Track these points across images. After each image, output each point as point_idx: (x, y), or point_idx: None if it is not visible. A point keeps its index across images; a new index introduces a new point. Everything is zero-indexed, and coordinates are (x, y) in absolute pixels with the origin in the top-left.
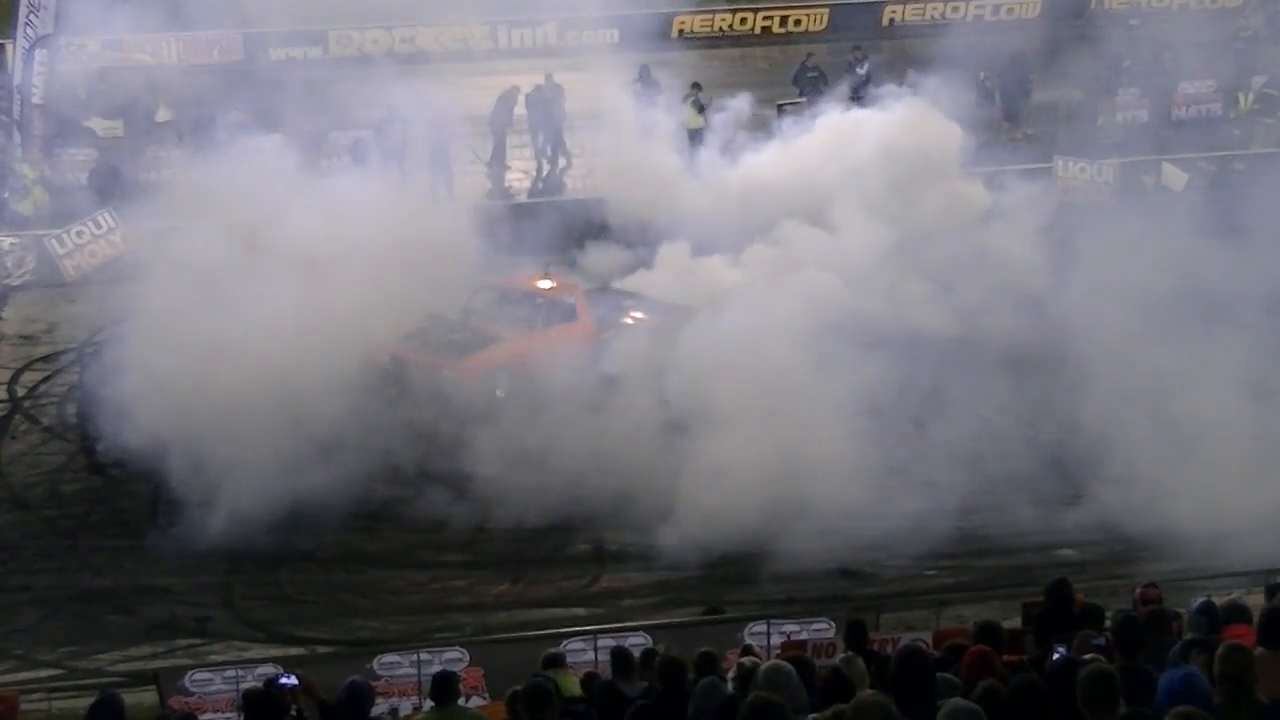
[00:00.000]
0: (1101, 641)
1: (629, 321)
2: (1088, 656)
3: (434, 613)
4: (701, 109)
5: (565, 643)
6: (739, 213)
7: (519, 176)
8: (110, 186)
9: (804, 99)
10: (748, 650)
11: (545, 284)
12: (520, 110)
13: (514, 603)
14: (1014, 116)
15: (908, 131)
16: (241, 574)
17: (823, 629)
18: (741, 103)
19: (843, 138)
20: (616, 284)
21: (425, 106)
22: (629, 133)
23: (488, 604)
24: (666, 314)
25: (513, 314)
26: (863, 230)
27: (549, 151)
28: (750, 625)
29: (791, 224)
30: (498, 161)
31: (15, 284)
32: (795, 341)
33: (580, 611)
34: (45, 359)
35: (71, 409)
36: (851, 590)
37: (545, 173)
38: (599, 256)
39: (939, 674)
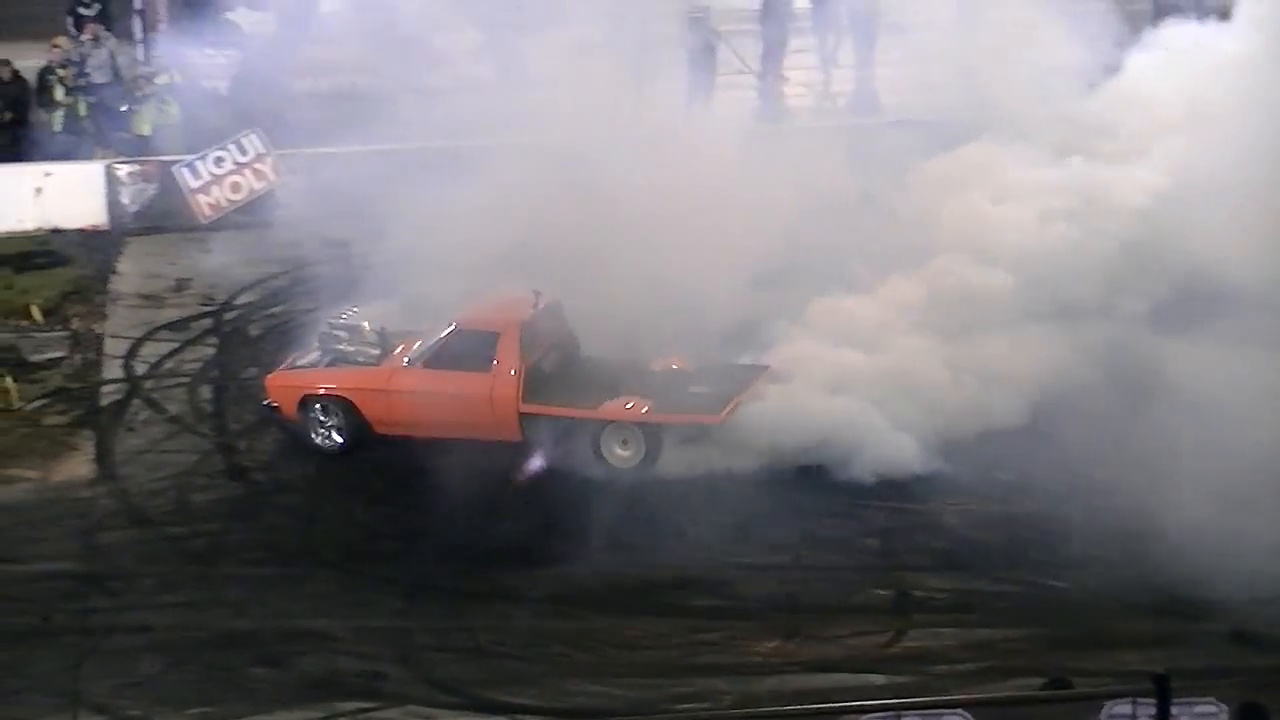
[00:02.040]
0: None
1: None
2: None
3: (678, 674)
4: None
5: None
6: None
7: (798, 90)
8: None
9: None
10: None
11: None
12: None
13: (786, 664)
14: None
15: None
16: (422, 616)
17: (1209, 713)
18: None
19: None
20: None
21: None
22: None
23: (751, 665)
24: None
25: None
26: None
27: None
28: (1111, 705)
29: None
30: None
31: (133, 226)
32: None
33: (877, 679)
34: (172, 326)
35: (207, 393)
36: (1246, 660)
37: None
38: None
39: None
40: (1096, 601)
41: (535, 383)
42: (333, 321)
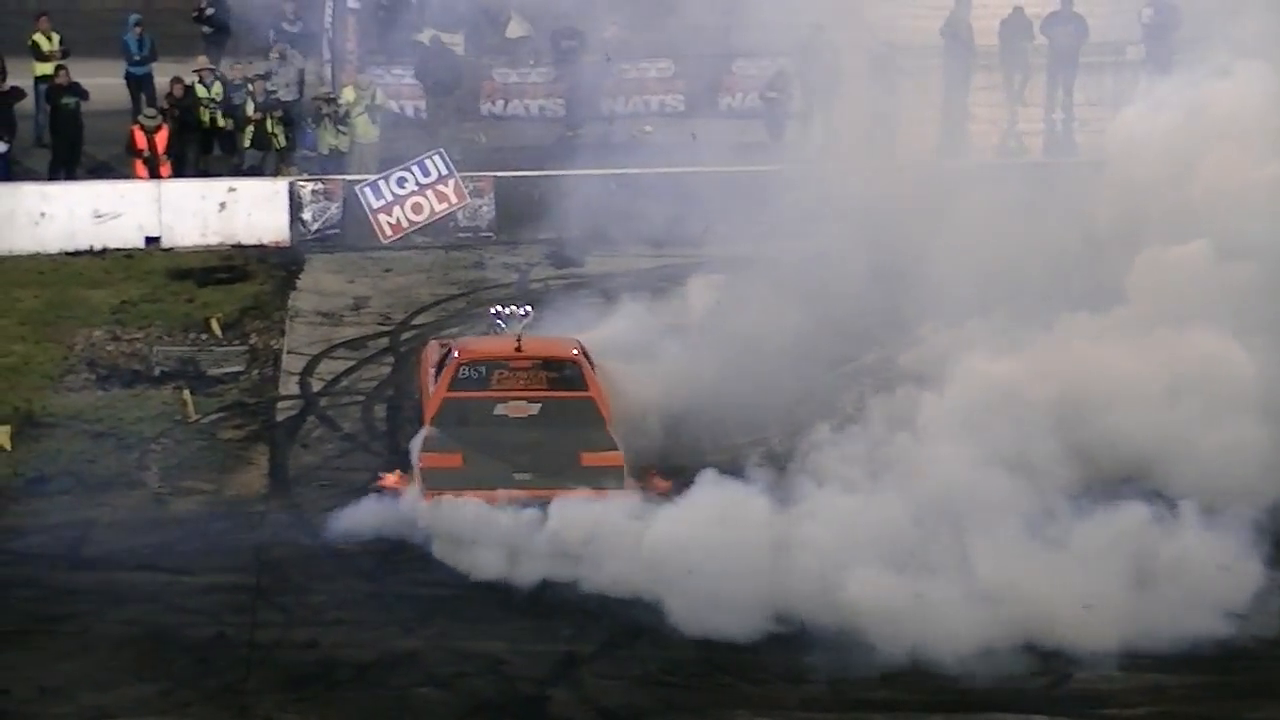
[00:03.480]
0: None
1: None
2: None
3: (848, 710)
4: None
5: None
6: None
7: (983, 129)
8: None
9: None
10: None
11: None
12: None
13: (958, 703)
14: None
15: None
16: (590, 640)
17: None
18: None
19: None
20: None
21: (863, 28)
22: None
23: (923, 703)
24: None
25: None
26: None
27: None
28: None
29: None
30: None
31: (314, 242)
32: None
33: None
34: (349, 344)
35: (381, 411)
36: None
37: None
38: None
39: None
40: (1271, 651)
41: None
42: (499, 311)
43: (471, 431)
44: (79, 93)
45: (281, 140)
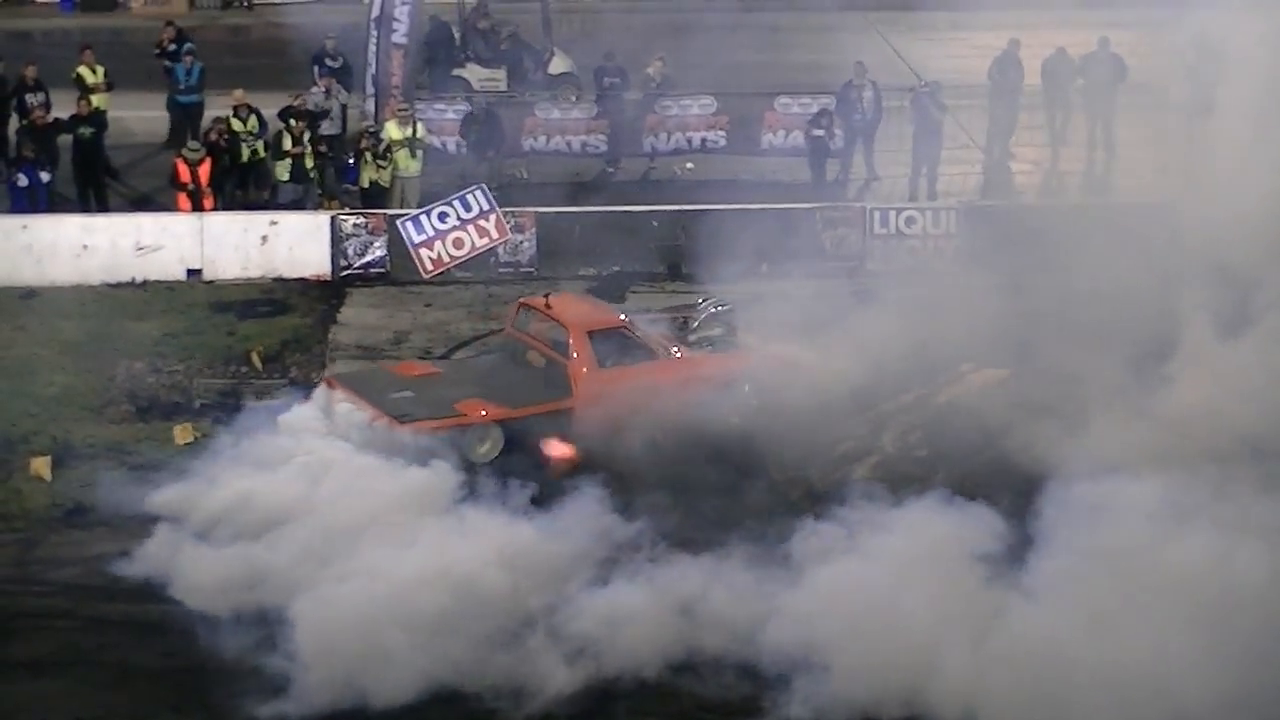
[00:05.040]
0: None
1: None
2: None
3: None
4: None
5: None
6: None
7: (1026, 169)
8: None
9: None
10: None
11: None
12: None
13: None
14: None
15: None
16: None
17: None
18: None
19: None
20: None
21: (905, 69)
22: None
23: None
24: None
25: None
26: None
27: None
28: None
29: None
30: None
31: (355, 276)
32: None
33: None
34: None
35: None
36: None
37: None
38: None
39: None
40: None
41: None
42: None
43: None
44: (98, 122)
45: (319, 175)
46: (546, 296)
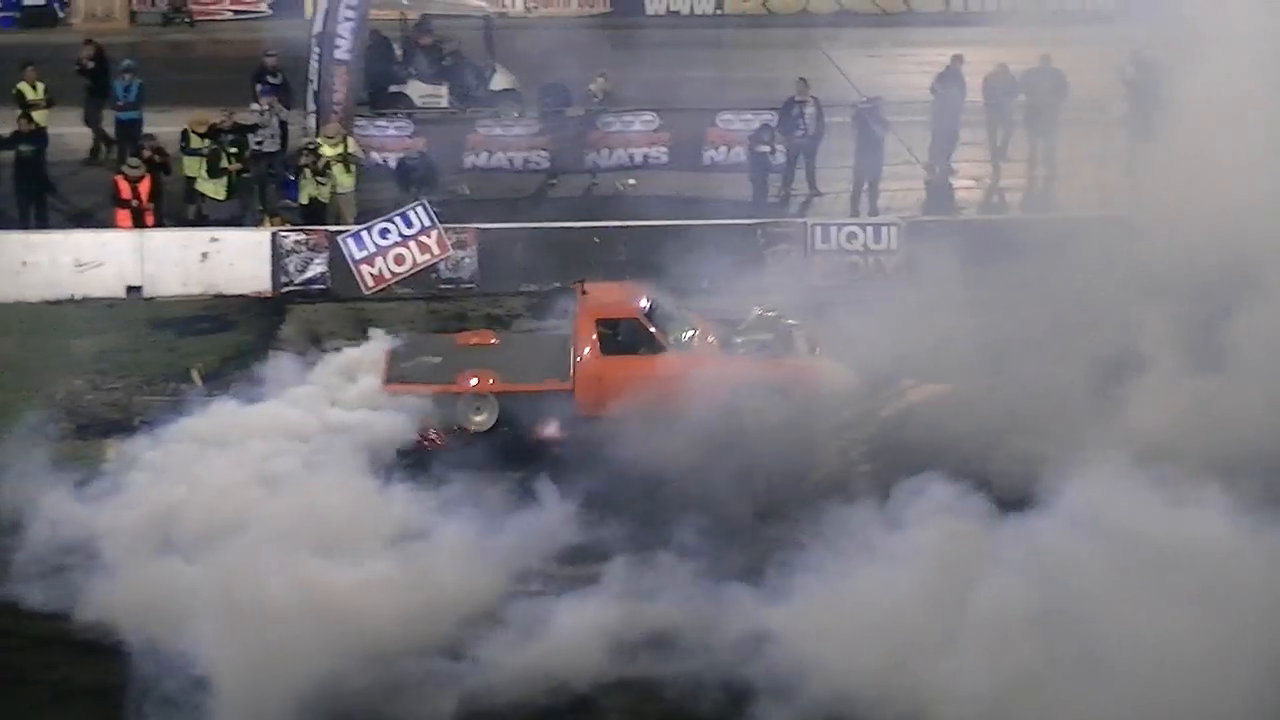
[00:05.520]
0: None
1: None
2: None
3: None
4: None
5: None
6: None
7: (967, 185)
8: (426, 173)
9: None
10: None
11: None
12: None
13: None
14: None
15: None
16: None
17: None
18: None
19: None
20: None
21: (847, 85)
22: None
23: None
24: None
25: None
26: None
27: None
28: None
29: None
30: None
31: (298, 289)
32: None
33: None
34: None
35: None
36: None
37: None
38: None
39: None
40: None
41: None
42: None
43: None
44: (39, 140)
45: (259, 188)
46: (582, 282)
